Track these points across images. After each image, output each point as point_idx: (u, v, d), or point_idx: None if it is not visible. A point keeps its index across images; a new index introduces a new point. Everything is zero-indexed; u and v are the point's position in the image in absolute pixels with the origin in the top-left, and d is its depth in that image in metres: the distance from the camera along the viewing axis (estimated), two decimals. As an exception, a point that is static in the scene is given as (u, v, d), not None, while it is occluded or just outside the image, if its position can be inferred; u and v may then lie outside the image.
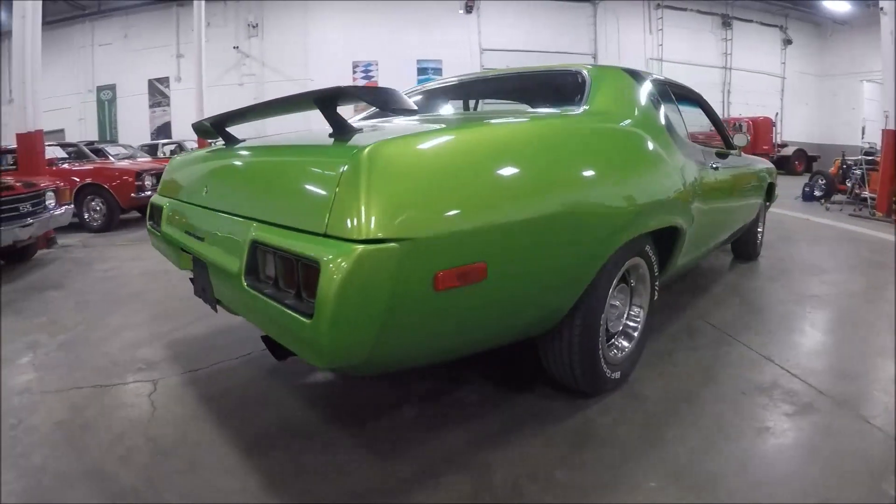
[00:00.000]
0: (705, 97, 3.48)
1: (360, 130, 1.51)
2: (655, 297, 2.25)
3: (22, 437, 1.86)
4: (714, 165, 2.80)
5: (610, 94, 2.19)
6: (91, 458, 1.72)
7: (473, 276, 1.30)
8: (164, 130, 16.37)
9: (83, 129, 16.80)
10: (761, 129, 15.03)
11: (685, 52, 17.45)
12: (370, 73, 15.78)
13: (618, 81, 2.33)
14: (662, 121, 2.33)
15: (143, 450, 1.76)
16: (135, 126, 16.57)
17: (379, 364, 1.30)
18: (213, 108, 2.77)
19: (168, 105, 16.57)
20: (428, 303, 1.25)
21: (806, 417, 1.90)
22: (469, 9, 16.56)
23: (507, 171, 1.44)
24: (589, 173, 1.69)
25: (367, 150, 1.23)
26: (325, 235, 1.19)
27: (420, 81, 15.35)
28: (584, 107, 2.07)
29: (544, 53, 15.55)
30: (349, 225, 1.15)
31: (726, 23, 18.03)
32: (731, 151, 3.39)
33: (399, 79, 14.55)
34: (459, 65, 15.02)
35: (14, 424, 1.95)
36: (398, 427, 1.87)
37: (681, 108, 3.02)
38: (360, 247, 1.12)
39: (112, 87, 17.09)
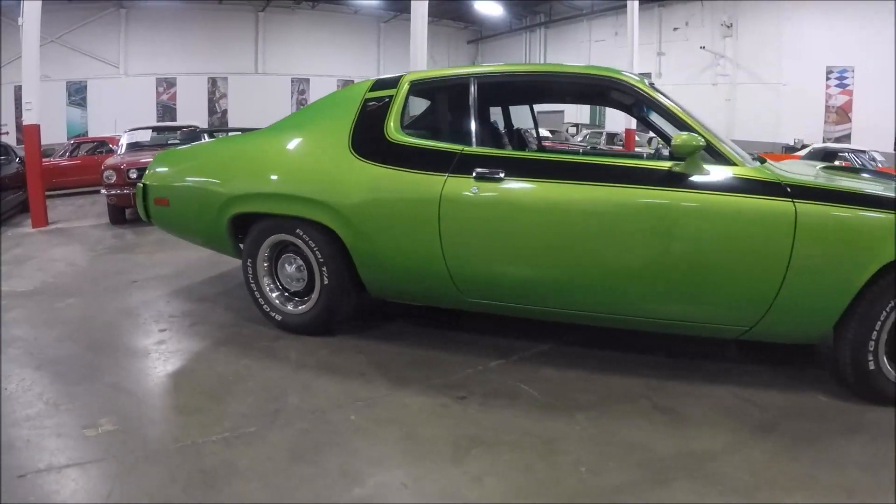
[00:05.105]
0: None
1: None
2: (326, 282, 2.92)
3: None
4: (484, 175, 2.52)
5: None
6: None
7: (162, 203, 3.35)
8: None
9: (578, 114, 21.79)
10: None
11: None
12: (845, 81, 15.30)
13: (328, 97, 3.36)
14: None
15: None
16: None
17: (163, 227, 3.56)
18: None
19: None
20: (157, 208, 3.39)
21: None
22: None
23: (182, 165, 3.44)
24: (198, 175, 3.28)
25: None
26: None
27: (904, 91, 14.92)
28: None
29: None
30: None
31: None
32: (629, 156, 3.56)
33: (879, 88, 14.29)
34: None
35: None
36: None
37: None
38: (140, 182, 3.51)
39: (604, 79, 21.99)
